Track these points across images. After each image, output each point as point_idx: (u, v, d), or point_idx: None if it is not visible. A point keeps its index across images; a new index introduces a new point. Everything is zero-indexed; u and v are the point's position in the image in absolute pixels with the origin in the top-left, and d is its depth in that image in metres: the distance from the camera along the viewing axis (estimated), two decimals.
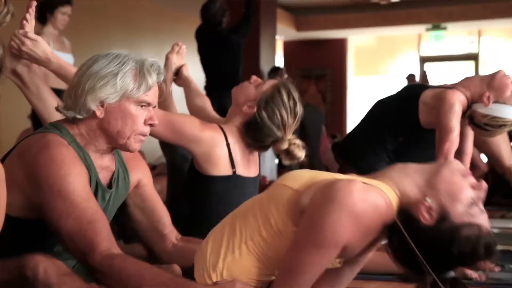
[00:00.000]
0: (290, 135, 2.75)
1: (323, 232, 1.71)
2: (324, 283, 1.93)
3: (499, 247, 4.68)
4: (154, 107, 2.11)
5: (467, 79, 3.52)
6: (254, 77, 2.85)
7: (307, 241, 1.74)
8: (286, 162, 2.77)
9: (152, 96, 2.07)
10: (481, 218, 1.76)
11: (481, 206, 1.78)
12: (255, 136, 2.75)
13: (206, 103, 3.18)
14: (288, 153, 2.76)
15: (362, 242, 1.79)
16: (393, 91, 3.79)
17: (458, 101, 3.35)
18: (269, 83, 2.78)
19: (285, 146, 2.75)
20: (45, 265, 1.81)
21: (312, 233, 1.73)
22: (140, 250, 2.37)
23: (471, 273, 3.25)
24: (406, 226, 1.75)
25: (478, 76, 3.52)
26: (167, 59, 3.23)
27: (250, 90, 2.79)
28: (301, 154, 2.76)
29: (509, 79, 3.40)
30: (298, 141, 2.77)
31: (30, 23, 2.41)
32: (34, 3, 2.44)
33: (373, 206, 1.73)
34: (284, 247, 1.80)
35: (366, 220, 1.72)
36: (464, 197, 1.76)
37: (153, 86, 2.06)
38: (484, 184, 1.79)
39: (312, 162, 8.52)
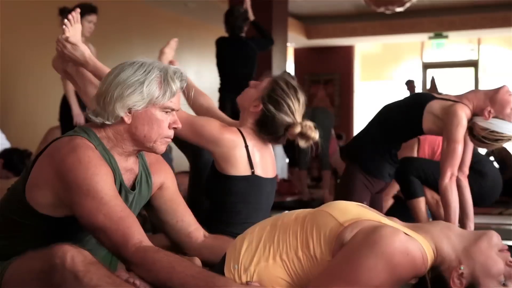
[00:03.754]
0: (300, 119, 2.75)
1: (358, 273, 1.67)
2: None
3: None
4: (177, 110, 2.11)
5: (472, 92, 3.50)
6: (252, 82, 2.87)
7: (340, 275, 1.70)
8: (302, 144, 2.75)
9: (176, 102, 2.07)
10: None
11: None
12: (269, 129, 2.74)
13: (211, 104, 3.15)
14: (303, 135, 2.74)
15: None
16: (399, 96, 3.77)
17: (465, 116, 3.35)
18: (266, 80, 2.78)
19: (298, 129, 2.72)
20: (72, 254, 1.82)
21: (347, 269, 1.69)
22: (164, 240, 2.37)
23: None
24: (435, 284, 1.72)
25: (482, 91, 3.49)
26: (162, 53, 3.35)
27: (251, 92, 2.81)
28: (314, 134, 2.74)
29: (511, 96, 3.38)
30: (309, 123, 2.75)
31: (72, 29, 2.58)
32: (78, 10, 2.63)
33: (410, 260, 1.69)
34: (316, 272, 1.78)
35: (400, 271, 1.69)
36: (497, 273, 1.71)
37: (177, 92, 2.06)
38: None
39: (321, 163, 8.50)
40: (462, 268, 1.71)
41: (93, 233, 1.95)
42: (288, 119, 2.72)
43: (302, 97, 2.75)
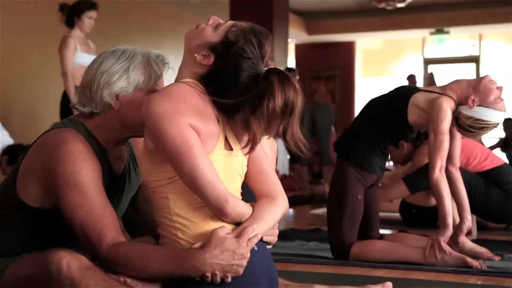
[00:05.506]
0: None
1: (166, 130, 1.82)
2: (256, 187, 2.03)
3: (500, 238, 4.62)
4: None
5: (455, 82, 3.53)
6: None
7: (171, 146, 1.83)
8: None
9: (161, 84, 2.11)
10: (229, 23, 1.96)
11: (221, 21, 1.98)
12: None
13: None
14: None
15: (199, 118, 1.87)
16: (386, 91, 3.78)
17: (450, 108, 3.38)
18: None
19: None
20: (68, 260, 1.83)
21: (161, 138, 1.83)
22: (151, 242, 2.35)
23: (472, 262, 3.24)
24: (212, 83, 1.92)
25: (466, 80, 3.52)
26: None
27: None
28: None
29: (494, 84, 3.41)
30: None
31: None
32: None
33: (173, 91, 1.89)
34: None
35: (174, 99, 1.86)
36: (205, 31, 1.96)
37: (161, 75, 2.11)
38: (214, 17, 2.00)
39: (322, 159, 8.49)
40: (195, 54, 1.94)
41: (73, 228, 1.95)
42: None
43: None
